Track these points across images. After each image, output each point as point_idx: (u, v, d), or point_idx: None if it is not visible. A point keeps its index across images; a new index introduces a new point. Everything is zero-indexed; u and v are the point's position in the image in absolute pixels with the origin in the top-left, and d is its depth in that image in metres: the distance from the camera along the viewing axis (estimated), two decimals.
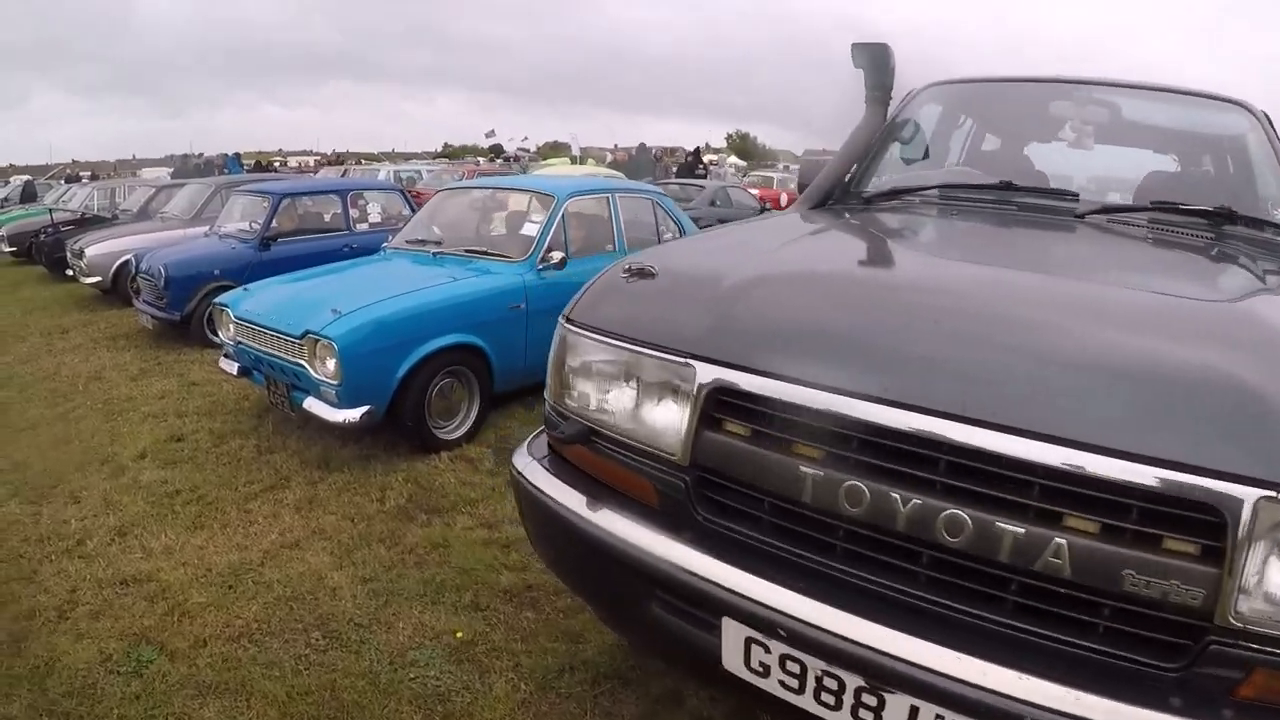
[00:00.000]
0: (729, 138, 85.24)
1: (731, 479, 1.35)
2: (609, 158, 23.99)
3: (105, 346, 6.66)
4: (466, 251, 4.60)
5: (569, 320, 1.59)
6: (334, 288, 4.16)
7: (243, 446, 4.08)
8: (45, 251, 10.50)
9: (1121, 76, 2.88)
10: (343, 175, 16.11)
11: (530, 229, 4.65)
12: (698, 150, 20.01)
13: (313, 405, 3.67)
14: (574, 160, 22.60)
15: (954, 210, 2.26)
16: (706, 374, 1.34)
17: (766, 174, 22.90)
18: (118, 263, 8.26)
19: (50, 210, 11.76)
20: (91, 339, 6.98)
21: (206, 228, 8.00)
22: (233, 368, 4.31)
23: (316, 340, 3.58)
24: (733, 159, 45.89)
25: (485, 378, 4.12)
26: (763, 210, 13.09)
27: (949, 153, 2.97)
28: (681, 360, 1.38)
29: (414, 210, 8.08)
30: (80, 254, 8.34)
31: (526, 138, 38.61)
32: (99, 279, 8.31)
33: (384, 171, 17.22)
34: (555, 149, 50.25)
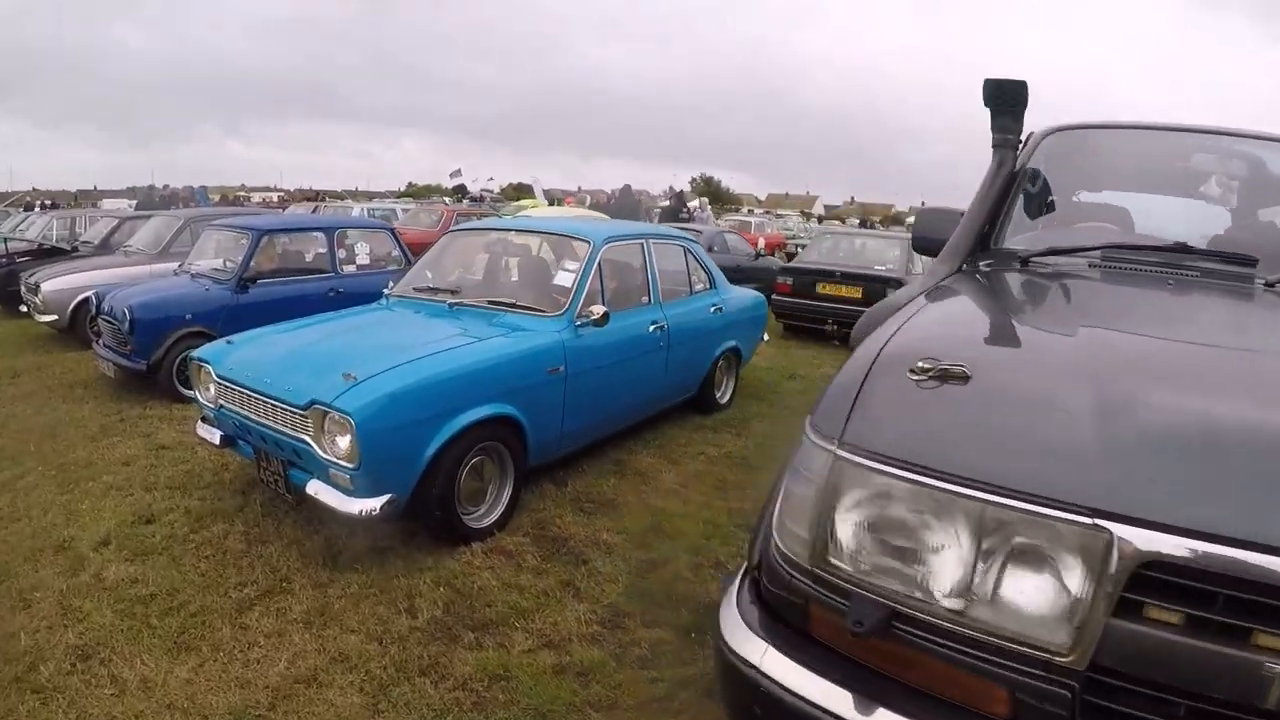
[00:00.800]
0: (693, 181, 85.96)
1: (1150, 683, 0.96)
2: (588, 200, 23.51)
3: (61, 396, 5.94)
4: (490, 303, 4.07)
5: (842, 443, 1.09)
6: (340, 344, 3.58)
7: (227, 533, 3.44)
8: None
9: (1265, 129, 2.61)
10: (313, 212, 15.43)
11: (565, 278, 4.14)
12: (681, 194, 19.54)
13: (318, 490, 3.06)
14: (553, 202, 22.16)
15: (1129, 275, 1.99)
16: (1132, 540, 0.94)
17: (744, 219, 22.80)
18: (76, 300, 7.54)
19: (4, 239, 10.93)
20: (46, 386, 6.25)
21: (175, 265, 7.38)
22: (214, 436, 3.68)
23: (326, 413, 2.99)
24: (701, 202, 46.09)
25: (519, 453, 3.56)
26: (758, 256, 12.75)
27: (1078, 205, 2.71)
28: (1088, 520, 0.94)
29: (404, 251, 7.59)
30: (35, 288, 7.60)
31: (492, 178, 37.88)
32: (55, 317, 7.56)
33: (356, 209, 16.58)
34: (519, 190, 50.16)
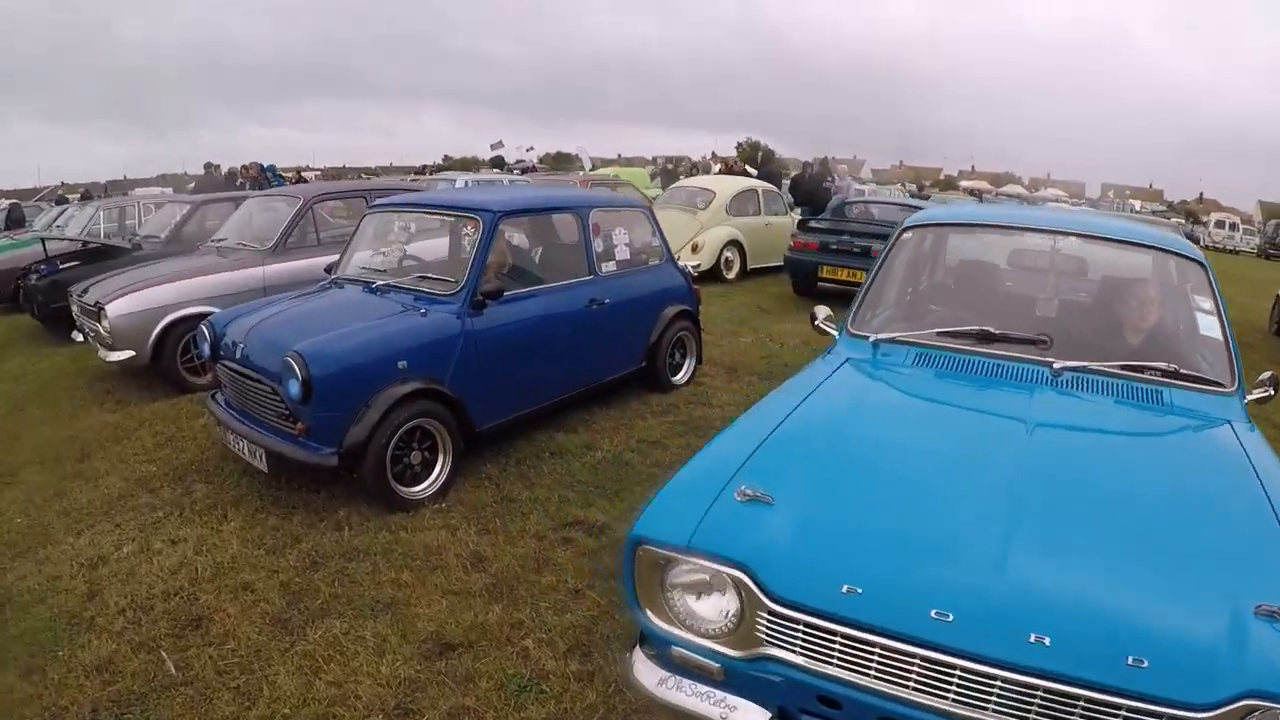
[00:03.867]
0: (739, 147, 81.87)
1: None
2: (717, 167, 19.95)
3: (177, 508, 3.48)
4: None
5: None
6: None
7: None
8: (37, 298, 7.28)
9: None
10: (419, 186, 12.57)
11: None
12: (826, 160, 15.37)
13: None
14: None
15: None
16: None
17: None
18: (162, 325, 5.12)
19: (40, 238, 8.49)
20: (140, 481, 3.79)
21: (289, 262, 4.96)
22: None
23: None
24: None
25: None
26: None
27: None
28: None
29: (663, 239, 5.07)
30: (97, 311, 5.12)
31: (531, 148, 35.84)
32: (131, 354, 5.10)
33: (460, 180, 13.88)
34: (556, 160, 47.94)
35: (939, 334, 2.52)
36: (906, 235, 3.05)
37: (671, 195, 11.04)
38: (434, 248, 4.48)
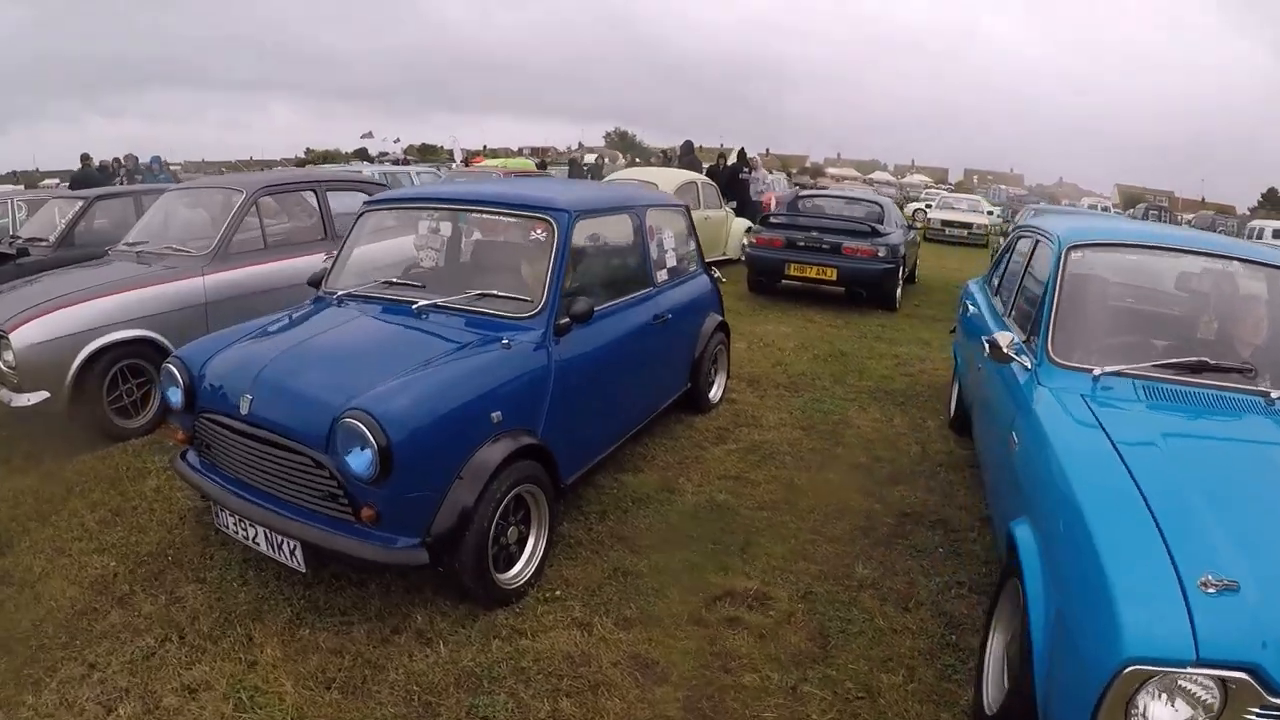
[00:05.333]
0: (608, 136, 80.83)
1: None
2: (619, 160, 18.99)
3: (172, 629, 2.49)
4: None
5: None
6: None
7: None
8: None
9: None
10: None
11: None
12: (742, 151, 14.85)
13: None
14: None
15: None
16: None
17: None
18: (82, 355, 3.96)
19: None
20: (98, 585, 2.74)
21: (235, 269, 4.03)
22: None
23: None
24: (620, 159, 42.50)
25: None
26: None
27: None
28: None
29: (698, 243, 4.47)
30: None
31: (398, 140, 35.01)
32: (43, 394, 3.90)
33: (368, 170, 12.48)
34: (424, 152, 46.77)
35: (1155, 366, 2.44)
36: (1075, 255, 2.86)
37: None
38: (473, 254, 3.62)
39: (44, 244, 5.95)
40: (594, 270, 3.39)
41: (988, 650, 2.14)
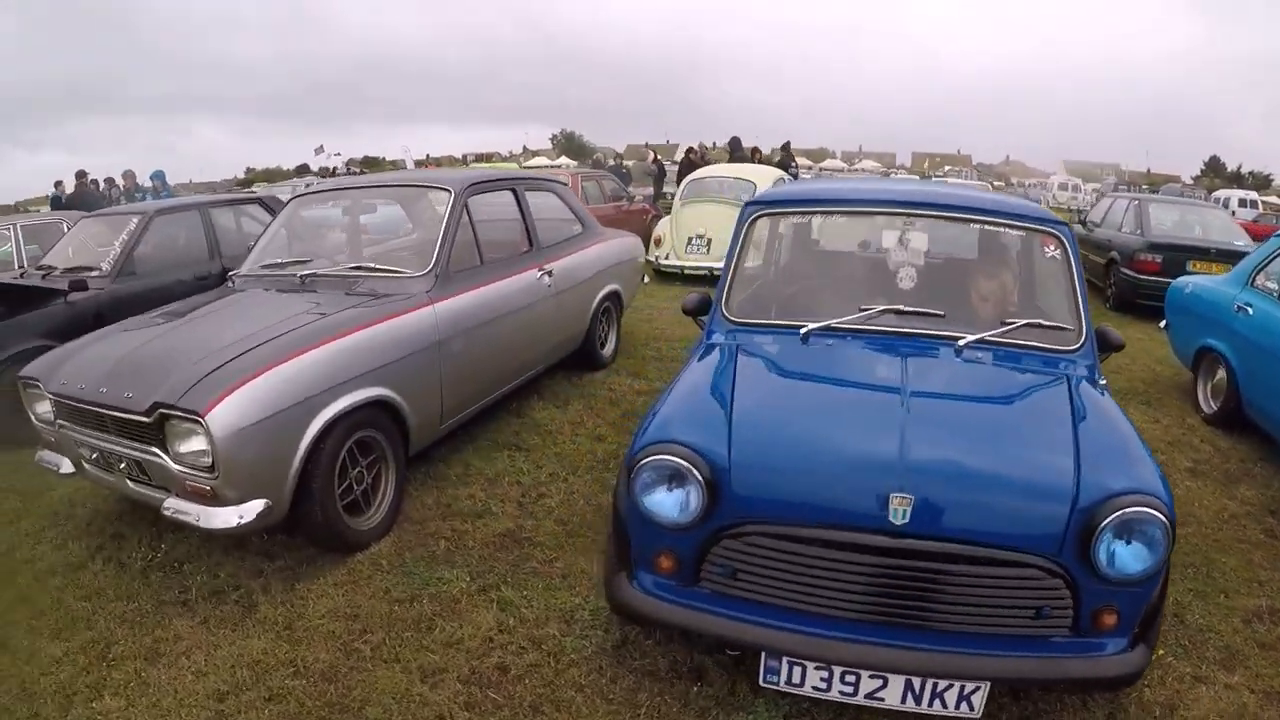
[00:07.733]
0: (554, 138, 78.91)
1: None
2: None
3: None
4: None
5: None
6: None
7: None
8: None
9: None
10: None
11: None
12: (787, 145, 14.75)
13: None
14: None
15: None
16: None
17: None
18: (314, 429, 2.85)
19: None
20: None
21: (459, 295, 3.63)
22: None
23: None
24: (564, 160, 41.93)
25: None
26: None
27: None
28: None
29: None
30: (160, 423, 2.61)
31: (339, 153, 34.47)
32: (261, 504, 2.67)
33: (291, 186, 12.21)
34: (367, 164, 45.40)
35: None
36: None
37: (701, 188, 9.86)
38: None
39: (95, 273, 4.57)
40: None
41: None
